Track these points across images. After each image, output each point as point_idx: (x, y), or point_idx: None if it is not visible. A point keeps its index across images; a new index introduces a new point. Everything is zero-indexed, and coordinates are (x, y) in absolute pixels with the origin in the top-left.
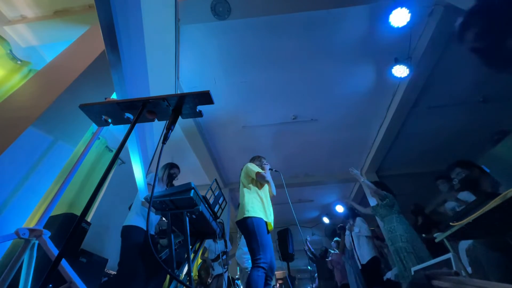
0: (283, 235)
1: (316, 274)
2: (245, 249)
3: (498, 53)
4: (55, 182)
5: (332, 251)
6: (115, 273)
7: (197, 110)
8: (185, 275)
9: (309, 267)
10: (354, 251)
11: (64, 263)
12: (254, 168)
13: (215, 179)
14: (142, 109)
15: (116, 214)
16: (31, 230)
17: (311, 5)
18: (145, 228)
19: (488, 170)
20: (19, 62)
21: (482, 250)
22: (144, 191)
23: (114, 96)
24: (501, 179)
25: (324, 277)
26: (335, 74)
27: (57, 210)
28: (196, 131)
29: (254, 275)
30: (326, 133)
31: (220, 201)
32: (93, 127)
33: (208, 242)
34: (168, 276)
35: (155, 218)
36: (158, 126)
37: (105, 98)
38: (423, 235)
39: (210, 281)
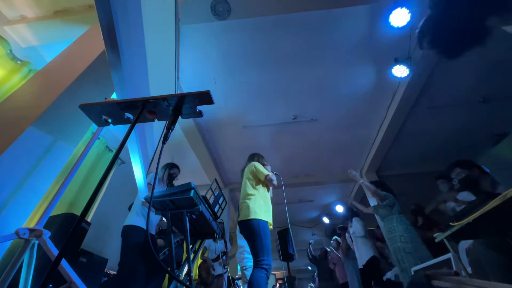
0: (283, 235)
1: (316, 274)
2: (247, 247)
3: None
4: (55, 182)
5: (329, 249)
6: (115, 273)
7: (197, 110)
8: (185, 275)
9: (309, 267)
10: (356, 252)
11: (64, 263)
12: (263, 170)
13: (215, 179)
14: (142, 109)
15: (116, 214)
16: (31, 230)
17: (311, 5)
18: (145, 228)
19: (488, 170)
20: (19, 62)
21: (482, 250)
22: (144, 191)
23: (114, 96)
24: (501, 179)
25: (324, 277)
26: (335, 74)
27: (57, 210)
28: (196, 131)
29: (257, 276)
30: (326, 133)
31: (220, 201)
32: (93, 127)
33: (208, 242)
34: (166, 276)
35: (155, 218)
36: (158, 126)
37: (105, 98)
38: (423, 235)
39: (210, 281)
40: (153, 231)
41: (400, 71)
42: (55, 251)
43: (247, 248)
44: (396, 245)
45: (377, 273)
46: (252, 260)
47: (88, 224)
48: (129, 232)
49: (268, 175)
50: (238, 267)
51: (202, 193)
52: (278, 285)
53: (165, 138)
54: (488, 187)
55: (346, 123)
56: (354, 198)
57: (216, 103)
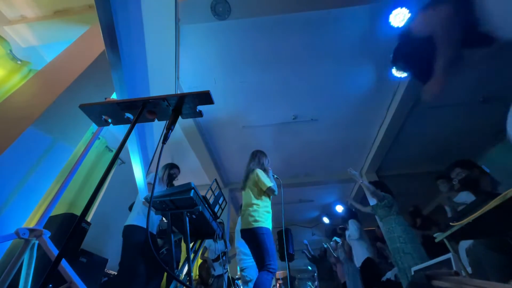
0: (283, 235)
1: (316, 274)
2: (243, 249)
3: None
4: (55, 182)
5: (326, 245)
6: (115, 273)
7: (197, 110)
8: (185, 275)
9: (309, 267)
10: (353, 254)
11: (64, 263)
12: (265, 180)
13: (215, 179)
14: (142, 109)
15: (116, 214)
16: (31, 230)
17: (311, 5)
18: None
19: (488, 170)
20: (19, 62)
21: (482, 250)
22: (144, 191)
23: (114, 96)
24: (501, 179)
25: (324, 277)
26: (335, 74)
27: (57, 210)
28: (196, 131)
29: (264, 278)
30: (326, 133)
31: (220, 201)
32: (93, 127)
33: (208, 242)
34: (165, 276)
35: (156, 217)
36: (158, 126)
37: (105, 98)
38: (422, 234)
39: (211, 281)
40: (154, 231)
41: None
42: (55, 251)
43: (244, 250)
44: (395, 245)
45: (373, 274)
46: (248, 261)
47: (88, 224)
48: (130, 231)
49: (269, 186)
50: (238, 267)
51: (202, 193)
52: (278, 285)
53: (165, 138)
54: (488, 187)
55: (346, 123)
56: (354, 198)
57: (216, 103)
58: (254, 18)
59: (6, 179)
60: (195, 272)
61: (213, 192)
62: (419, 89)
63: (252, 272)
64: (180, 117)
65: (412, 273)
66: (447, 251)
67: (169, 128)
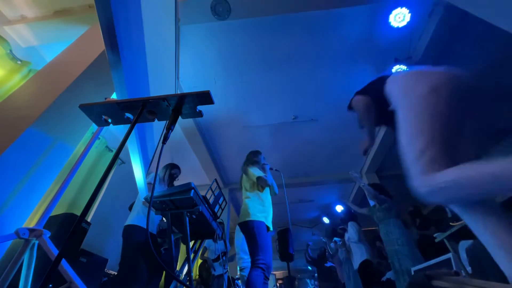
0: (283, 235)
1: (316, 274)
2: (242, 248)
3: None
4: (55, 182)
5: (325, 245)
6: (115, 273)
7: (197, 110)
8: (185, 275)
9: (309, 267)
10: (352, 256)
11: (64, 263)
12: (255, 172)
13: (215, 179)
14: (142, 109)
15: (116, 214)
16: (31, 230)
17: (311, 5)
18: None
19: None
20: (19, 62)
21: (482, 250)
22: (144, 191)
23: (114, 96)
24: None
25: (324, 278)
26: (335, 74)
27: (57, 210)
28: (196, 131)
29: (253, 275)
30: (326, 133)
31: (220, 201)
32: (93, 127)
33: (208, 242)
34: (163, 275)
35: (156, 217)
36: (158, 126)
37: (105, 98)
38: (421, 234)
39: (211, 281)
40: (154, 230)
41: (400, 71)
42: (55, 251)
43: (243, 249)
44: (393, 247)
45: (371, 276)
46: (248, 261)
47: (88, 224)
48: (130, 231)
49: (260, 176)
50: (238, 267)
51: (202, 193)
52: (278, 285)
53: (165, 138)
54: None
55: (346, 123)
56: (354, 199)
57: (216, 103)
58: (254, 18)
59: (6, 179)
60: (195, 272)
61: (213, 192)
62: None
63: None
64: (180, 117)
65: (412, 273)
66: (447, 251)
67: (169, 128)
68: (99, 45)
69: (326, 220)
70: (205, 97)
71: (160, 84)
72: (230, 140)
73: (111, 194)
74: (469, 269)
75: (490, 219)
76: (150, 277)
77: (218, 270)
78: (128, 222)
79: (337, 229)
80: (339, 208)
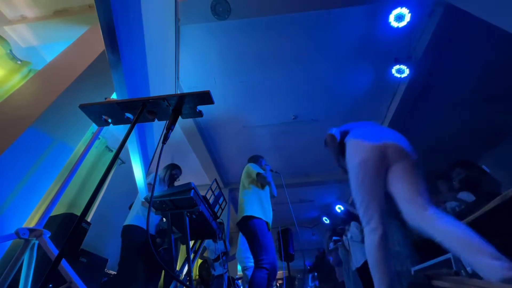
0: (284, 235)
1: (316, 274)
2: (243, 248)
3: None
4: (55, 182)
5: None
6: (115, 273)
7: (197, 110)
8: (185, 275)
9: (307, 267)
10: (352, 255)
11: (64, 263)
12: (255, 168)
13: (215, 179)
14: (142, 109)
15: (116, 214)
16: (31, 230)
17: (311, 5)
18: (145, 228)
19: (488, 170)
20: (19, 62)
21: None
22: (144, 191)
23: (114, 96)
24: (501, 179)
25: (324, 278)
26: (335, 74)
27: (57, 210)
28: (196, 131)
29: (257, 276)
30: (326, 133)
31: (220, 201)
32: (93, 127)
33: (207, 242)
34: (162, 275)
35: (155, 217)
36: (158, 126)
37: (105, 98)
38: (421, 235)
39: (211, 281)
40: (153, 231)
41: (400, 71)
42: (55, 251)
43: (247, 245)
44: (394, 249)
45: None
46: (252, 261)
47: (88, 224)
48: (129, 232)
49: (259, 173)
50: (239, 267)
51: (202, 193)
52: (278, 285)
53: (165, 138)
54: (488, 187)
55: (346, 123)
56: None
57: (216, 103)
58: (254, 18)
59: (6, 179)
60: (195, 272)
61: (213, 192)
62: (419, 88)
63: None
64: (180, 117)
65: (412, 273)
66: (447, 251)
67: (169, 128)
68: (99, 45)
69: (326, 220)
70: (205, 97)
71: (160, 84)
72: (230, 140)
73: (111, 194)
74: (469, 269)
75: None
76: (149, 277)
77: (218, 270)
78: (127, 222)
79: (336, 229)
80: (339, 208)
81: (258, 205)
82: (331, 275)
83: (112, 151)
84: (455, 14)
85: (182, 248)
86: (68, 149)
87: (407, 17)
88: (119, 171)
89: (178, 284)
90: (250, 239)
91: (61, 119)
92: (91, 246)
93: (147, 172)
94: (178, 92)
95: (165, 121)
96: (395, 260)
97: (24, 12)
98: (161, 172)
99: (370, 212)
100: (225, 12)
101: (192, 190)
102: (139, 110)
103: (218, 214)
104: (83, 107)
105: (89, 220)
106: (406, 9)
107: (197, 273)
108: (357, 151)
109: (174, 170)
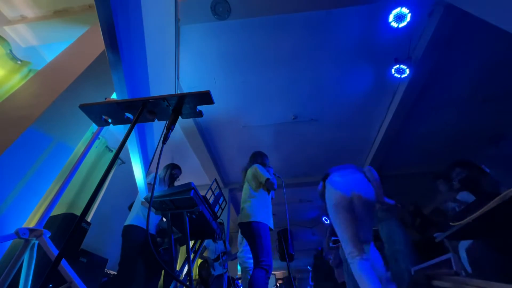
0: (283, 235)
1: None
2: (244, 248)
3: None
4: (55, 182)
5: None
6: (115, 273)
7: (197, 110)
8: (185, 275)
9: (309, 267)
10: None
11: (64, 263)
12: (264, 173)
13: (215, 179)
14: (142, 109)
15: (116, 214)
16: (31, 230)
17: (311, 5)
18: (145, 228)
19: (488, 170)
20: (19, 62)
21: (482, 250)
22: (144, 191)
23: (114, 96)
24: (501, 179)
25: (322, 278)
26: (335, 74)
27: (57, 210)
28: (196, 131)
29: (258, 276)
30: (326, 133)
31: (220, 201)
32: (93, 127)
33: (207, 241)
34: (162, 275)
35: (155, 217)
36: (158, 126)
37: (105, 98)
38: (421, 235)
39: (211, 281)
40: (153, 231)
41: (400, 71)
42: (55, 251)
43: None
44: (395, 247)
45: None
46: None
47: (88, 224)
48: (129, 232)
49: (268, 178)
50: (239, 267)
51: (202, 193)
52: (278, 285)
53: (165, 138)
54: (488, 187)
55: (346, 123)
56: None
57: (216, 103)
58: (254, 18)
59: (6, 179)
60: (195, 272)
61: (213, 192)
62: (419, 88)
63: None
64: (180, 117)
65: (412, 273)
66: (447, 251)
67: (169, 128)
68: (99, 45)
69: (326, 220)
70: (205, 97)
71: (160, 84)
72: (230, 140)
73: (111, 194)
74: (469, 269)
75: None
76: (149, 277)
77: (217, 270)
78: (127, 223)
79: None
80: None
81: (263, 210)
82: (330, 275)
83: (112, 151)
84: (455, 14)
85: (182, 248)
86: (68, 149)
87: (407, 17)
88: (119, 171)
89: (178, 284)
90: (253, 241)
91: (61, 119)
92: (91, 246)
93: (147, 172)
94: (178, 92)
95: (165, 121)
96: (396, 259)
97: (24, 12)
98: (161, 172)
99: (346, 241)
100: (225, 12)
101: (192, 190)
102: (139, 110)
103: (218, 214)
104: (83, 107)
105: (89, 220)
106: (406, 9)
107: (197, 273)
108: (331, 197)
109: (174, 170)
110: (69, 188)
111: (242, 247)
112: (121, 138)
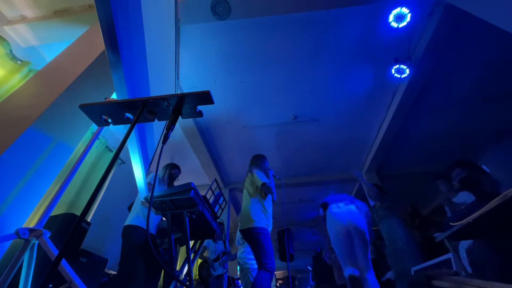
0: (283, 236)
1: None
2: (246, 249)
3: None
4: (55, 182)
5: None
6: (115, 273)
7: (197, 110)
8: (185, 275)
9: (309, 267)
10: None
11: (64, 263)
12: (261, 177)
13: (215, 179)
14: (142, 109)
15: (116, 214)
16: (31, 230)
17: (311, 5)
18: (145, 228)
19: (488, 170)
20: (19, 62)
21: (482, 250)
22: (144, 191)
23: (114, 96)
24: (501, 179)
25: (322, 278)
26: (335, 74)
27: (57, 210)
28: (196, 131)
29: (262, 278)
30: (326, 133)
31: (220, 201)
32: (93, 127)
33: (207, 241)
34: (162, 275)
35: (155, 217)
36: (158, 126)
37: (105, 98)
38: (421, 235)
39: (211, 281)
40: (153, 231)
41: (400, 71)
42: (55, 251)
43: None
44: (397, 246)
45: (376, 275)
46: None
47: (88, 224)
48: (129, 232)
49: (264, 183)
50: (239, 267)
51: (202, 193)
52: (278, 285)
53: (165, 138)
54: (488, 187)
55: (346, 123)
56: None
57: (216, 103)
58: (254, 18)
59: (6, 179)
60: (195, 272)
61: (213, 192)
62: (419, 88)
63: None
64: (180, 117)
65: (413, 273)
66: (447, 251)
67: (169, 128)
68: (99, 45)
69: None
70: (205, 97)
71: (160, 84)
72: (230, 140)
73: (111, 194)
74: (469, 269)
75: None
76: (149, 277)
77: (217, 270)
78: (127, 223)
79: None
80: None
81: (263, 214)
82: (329, 276)
83: (112, 151)
84: (455, 14)
85: (182, 248)
86: (68, 149)
87: (407, 17)
88: (119, 171)
89: (178, 284)
90: (254, 247)
91: (61, 119)
92: (91, 246)
93: (147, 172)
94: (178, 92)
95: (165, 121)
96: (398, 258)
97: (24, 12)
98: (160, 171)
99: (343, 263)
100: (225, 12)
101: (192, 190)
102: (139, 110)
103: (218, 214)
104: (83, 107)
105: (89, 220)
106: (406, 9)
107: (197, 273)
108: (332, 226)
109: (173, 169)
110: (69, 188)
111: (242, 248)
112: (121, 138)
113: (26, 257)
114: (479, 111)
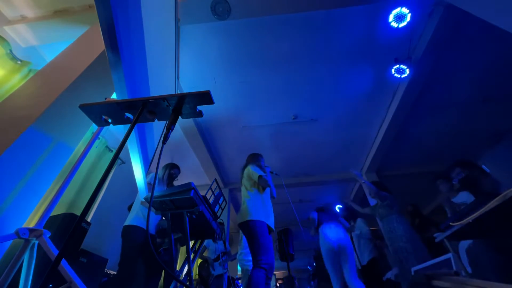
0: (283, 235)
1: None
2: (244, 251)
3: None
4: (55, 182)
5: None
6: (115, 273)
7: (197, 110)
8: (185, 275)
9: (309, 267)
10: (357, 252)
11: (64, 263)
12: (257, 171)
13: (215, 179)
14: (142, 109)
15: (116, 214)
16: (31, 230)
17: (311, 5)
18: (145, 228)
19: (488, 170)
20: (19, 62)
21: (482, 250)
22: (144, 191)
23: (114, 96)
24: (501, 179)
25: (323, 277)
26: (335, 74)
27: (57, 210)
28: (196, 131)
29: (255, 276)
30: (326, 133)
31: (220, 201)
32: (93, 127)
33: (207, 241)
34: (162, 275)
35: (155, 217)
36: (158, 126)
37: (105, 98)
38: (421, 235)
39: (211, 281)
40: (153, 231)
41: (400, 71)
42: (55, 251)
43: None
44: (398, 245)
45: (377, 274)
46: None
47: (88, 224)
48: (129, 232)
49: (261, 176)
50: (239, 267)
51: (202, 193)
52: (278, 285)
53: (165, 138)
54: (488, 187)
55: (346, 123)
56: (354, 198)
57: (216, 103)
58: (254, 18)
59: (6, 179)
60: (195, 272)
61: (213, 192)
62: (419, 88)
63: None
64: (180, 117)
65: (412, 273)
66: (447, 251)
67: (169, 128)
68: (99, 45)
69: None
70: (205, 97)
71: (160, 84)
72: (230, 140)
73: (111, 194)
74: (469, 269)
75: None
76: (149, 277)
77: (217, 270)
78: (127, 223)
79: None
80: (338, 208)
81: (261, 208)
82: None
83: (112, 151)
84: (455, 14)
85: (182, 248)
86: (68, 149)
87: (407, 17)
88: (119, 171)
89: (178, 284)
90: (250, 240)
91: (61, 119)
92: (91, 246)
93: (147, 172)
94: (178, 92)
95: (165, 121)
96: (400, 260)
97: (24, 12)
98: (159, 171)
99: (332, 277)
100: (225, 12)
101: (192, 190)
102: (139, 110)
103: (218, 214)
104: (83, 107)
105: (89, 220)
106: (406, 9)
107: (197, 273)
108: (324, 245)
109: (172, 169)
110: (69, 188)
111: (241, 249)
112: (121, 138)
113: (26, 257)
114: (479, 111)
